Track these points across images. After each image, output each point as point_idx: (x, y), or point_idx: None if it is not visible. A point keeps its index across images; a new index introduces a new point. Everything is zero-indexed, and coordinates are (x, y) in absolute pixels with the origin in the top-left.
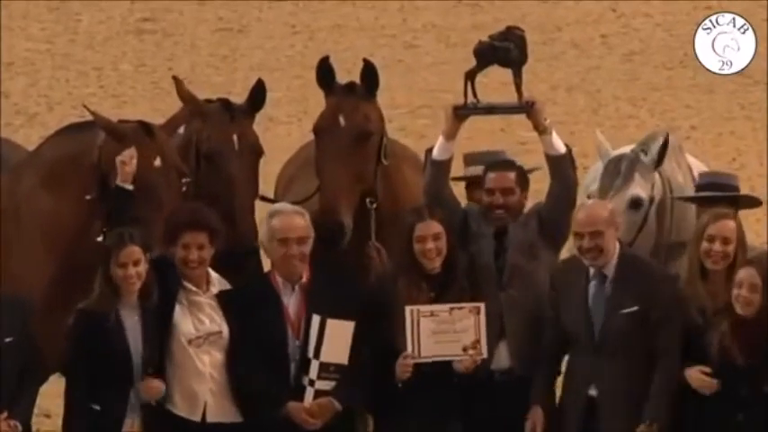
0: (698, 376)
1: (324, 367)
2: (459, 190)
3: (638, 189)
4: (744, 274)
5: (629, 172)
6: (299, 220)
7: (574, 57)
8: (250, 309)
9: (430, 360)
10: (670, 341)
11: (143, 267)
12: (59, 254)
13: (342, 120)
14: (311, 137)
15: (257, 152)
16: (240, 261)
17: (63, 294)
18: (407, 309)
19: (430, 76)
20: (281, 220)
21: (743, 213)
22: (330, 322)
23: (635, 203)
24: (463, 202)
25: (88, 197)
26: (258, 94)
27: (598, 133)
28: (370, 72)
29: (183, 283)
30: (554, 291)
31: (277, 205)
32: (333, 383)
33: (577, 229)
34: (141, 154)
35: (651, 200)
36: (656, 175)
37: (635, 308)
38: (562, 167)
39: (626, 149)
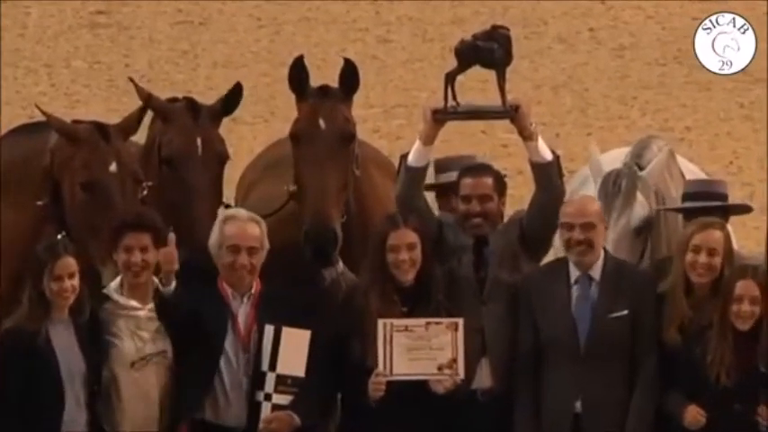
0: (694, 416)
1: (281, 380)
2: (429, 199)
3: (644, 211)
4: (742, 287)
5: (630, 191)
6: (253, 229)
7: (560, 52)
8: (195, 319)
9: (403, 379)
10: (651, 349)
11: (77, 280)
12: (8, 263)
13: (322, 123)
14: (277, 138)
15: (222, 158)
16: (209, 273)
17: (12, 307)
18: (380, 322)
19: (405, 74)
20: (233, 227)
21: (741, 220)
22: (285, 331)
23: (641, 229)
24: (435, 211)
25: (39, 203)
26: (234, 98)
27: (593, 146)
28: (350, 72)
29: (114, 298)
30: (529, 297)
31: (231, 210)
32: (290, 397)
33: (567, 220)
34: (96, 158)
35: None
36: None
37: (625, 312)
38: (548, 176)
39: (615, 153)
